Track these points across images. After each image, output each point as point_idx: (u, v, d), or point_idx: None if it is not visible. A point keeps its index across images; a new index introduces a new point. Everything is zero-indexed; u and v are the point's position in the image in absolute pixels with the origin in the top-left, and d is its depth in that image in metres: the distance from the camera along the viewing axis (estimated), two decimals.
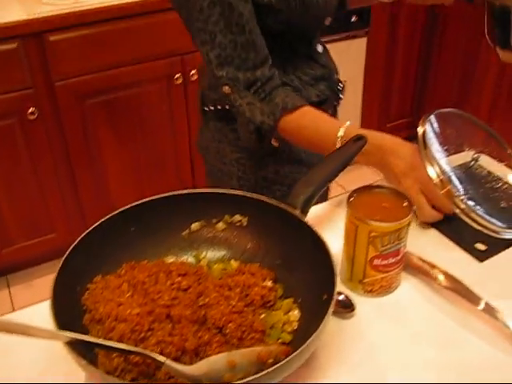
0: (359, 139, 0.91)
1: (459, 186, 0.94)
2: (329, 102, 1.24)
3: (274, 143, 1.10)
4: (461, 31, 2.68)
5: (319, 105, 1.17)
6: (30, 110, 1.99)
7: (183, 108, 2.28)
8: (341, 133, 0.98)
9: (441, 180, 0.91)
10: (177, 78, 2.19)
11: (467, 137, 1.05)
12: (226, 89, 1.05)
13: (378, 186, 0.87)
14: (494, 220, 0.91)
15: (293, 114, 1.04)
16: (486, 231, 0.90)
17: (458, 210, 0.90)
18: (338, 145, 0.98)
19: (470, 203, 0.91)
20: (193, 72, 2.19)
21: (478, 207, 0.92)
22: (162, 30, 2.09)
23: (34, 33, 1.91)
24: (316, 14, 1.12)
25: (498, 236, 0.91)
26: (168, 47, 2.14)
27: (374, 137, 0.98)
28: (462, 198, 0.90)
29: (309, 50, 1.20)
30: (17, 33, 1.88)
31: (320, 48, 1.23)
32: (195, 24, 1.02)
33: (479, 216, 0.90)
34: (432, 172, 0.91)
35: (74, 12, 1.95)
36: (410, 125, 3.01)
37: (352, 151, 0.90)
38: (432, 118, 1.01)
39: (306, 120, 1.05)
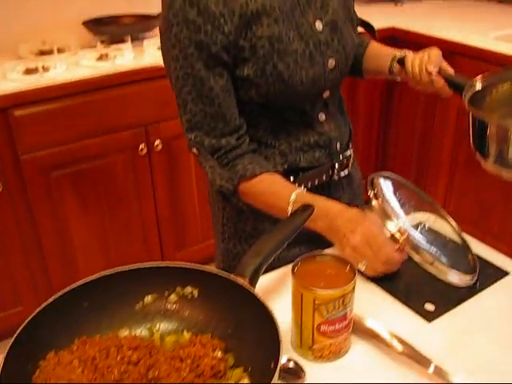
0: (306, 209, 0.95)
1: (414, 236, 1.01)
2: (323, 170, 1.24)
3: (239, 204, 1.14)
4: (418, 96, 2.80)
5: (310, 170, 1.22)
6: None
7: (148, 178, 2.32)
8: (293, 197, 1.05)
9: (399, 229, 0.98)
10: (141, 149, 2.23)
11: (408, 201, 1.10)
12: (194, 150, 1.13)
13: (322, 254, 0.90)
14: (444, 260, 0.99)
15: (251, 180, 1.10)
16: (436, 273, 0.98)
17: (417, 257, 0.98)
18: (290, 208, 1.04)
19: (426, 247, 1.00)
20: (157, 142, 2.25)
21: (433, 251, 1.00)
22: (125, 102, 2.15)
23: None
24: (302, 92, 1.12)
25: (445, 278, 0.98)
26: (132, 118, 2.19)
27: (322, 203, 1.04)
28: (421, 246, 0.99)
29: (304, 118, 1.19)
30: None
31: (322, 117, 1.22)
32: (174, 89, 1.10)
33: (434, 258, 0.98)
34: (390, 223, 0.99)
35: (38, 88, 2.00)
36: None
37: (299, 221, 0.94)
38: (382, 176, 1.07)
39: (262, 186, 1.10)
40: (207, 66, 1.05)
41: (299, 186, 1.19)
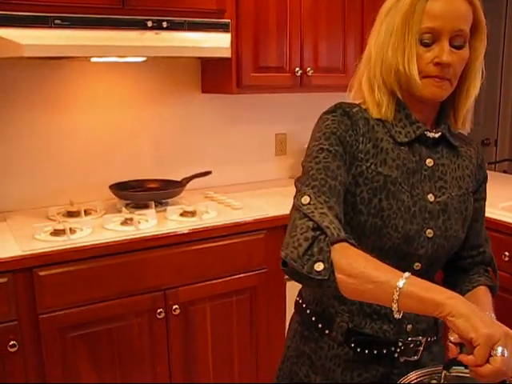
0: None
1: None
2: (385, 344, 1.25)
3: (317, 275, 1.03)
4: None
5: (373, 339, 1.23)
6: (11, 343, 2.00)
7: (164, 342, 2.31)
8: (400, 284, 0.97)
9: None
10: (159, 312, 2.25)
11: None
12: (304, 199, 1.12)
13: None
14: None
15: (357, 247, 1.06)
16: None
17: None
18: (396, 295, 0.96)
19: None
20: (175, 307, 2.27)
21: None
22: (146, 266, 2.21)
23: (24, 268, 2.00)
24: (394, 239, 1.19)
25: None
26: (151, 283, 2.23)
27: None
28: None
29: None
30: (9, 268, 1.97)
31: None
32: (303, 163, 1.20)
33: None
34: None
35: (64, 249, 2.07)
36: None
37: None
38: None
39: (367, 255, 1.05)
40: (342, 153, 1.18)
41: (357, 348, 1.23)
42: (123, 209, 2.42)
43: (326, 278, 1.02)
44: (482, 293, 1.29)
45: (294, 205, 1.14)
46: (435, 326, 1.31)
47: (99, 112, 2.73)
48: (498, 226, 2.45)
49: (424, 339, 1.27)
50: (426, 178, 1.24)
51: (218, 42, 2.42)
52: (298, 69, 2.77)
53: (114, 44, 2.20)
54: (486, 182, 1.38)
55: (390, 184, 1.19)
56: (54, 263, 2.05)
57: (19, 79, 2.52)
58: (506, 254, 2.42)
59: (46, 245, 2.08)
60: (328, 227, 1.06)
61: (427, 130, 1.25)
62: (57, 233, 2.18)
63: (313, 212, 1.09)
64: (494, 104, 4.56)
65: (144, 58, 2.50)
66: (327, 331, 1.27)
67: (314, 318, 1.30)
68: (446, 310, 0.91)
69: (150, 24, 2.26)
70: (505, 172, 4.05)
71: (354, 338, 1.23)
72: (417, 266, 1.24)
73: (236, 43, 2.59)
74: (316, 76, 2.84)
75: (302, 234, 1.07)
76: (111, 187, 2.60)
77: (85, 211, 2.46)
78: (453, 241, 1.26)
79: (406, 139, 1.23)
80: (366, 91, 1.25)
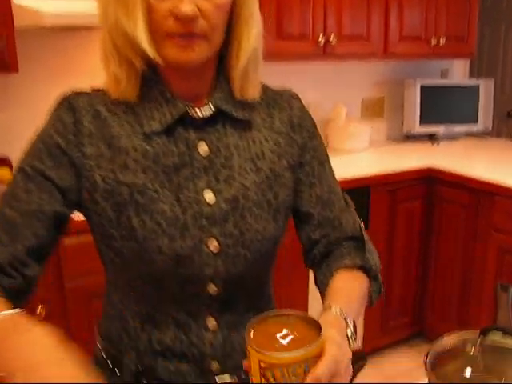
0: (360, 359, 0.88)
1: None
2: None
3: None
4: (456, 237, 2.82)
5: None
6: (39, 309, 2.03)
7: None
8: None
9: None
10: None
11: None
12: None
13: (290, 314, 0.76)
14: None
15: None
16: None
17: None
18: None
19: None
20: None
21: None
22: None
23: None
24: (163, 267, 0.91)
25: None
26: None
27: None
28: None
29: (179, 317, 0.95)
30: None
31: (212, 322, 0.96)
32: None
33: None
34: None
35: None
36: (410, 323, 3.05)
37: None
38: None
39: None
40: (43, 169, 0.89)
41: None
42: None
43: None
44: (336, 281, 0.97)
45: None
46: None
47: None
48: None
49: (235, 378, 0.99)
50: (200, 172, 0.93)
51: None
52: (321, 36, 2.72)
53: None
54: (314, 136, 1.04)
55: (138, 194, 0.89)
56: (77, 232, 2.05)
57: (40, 48, 2.51)
58: None
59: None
60: None
61: (191, 107, 0.93)
62: None
63: None
64: None
65: None
66: (118, 372, 0.99)
67: (104, 355, 1.02)
68: None
69: None
70: None
71: (145, 383, 0.96)
72: (213, 290, 0.94)
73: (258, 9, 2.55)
74: (339, 44, 2.79)
75: None
76: None
77: None
78: (258, 245, 0.95)
79: (161, 126, 0.92)
80: (103, 63, 0.94)
